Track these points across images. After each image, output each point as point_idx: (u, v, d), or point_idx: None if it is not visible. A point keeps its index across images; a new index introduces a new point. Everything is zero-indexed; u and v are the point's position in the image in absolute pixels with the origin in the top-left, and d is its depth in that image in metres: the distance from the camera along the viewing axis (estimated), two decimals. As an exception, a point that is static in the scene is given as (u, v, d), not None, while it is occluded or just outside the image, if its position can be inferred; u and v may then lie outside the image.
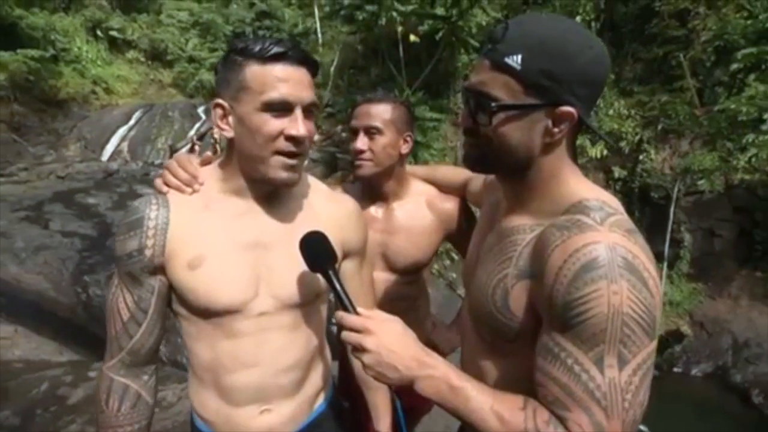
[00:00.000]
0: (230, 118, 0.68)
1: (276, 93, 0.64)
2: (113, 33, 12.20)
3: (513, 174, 0.61)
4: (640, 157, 5.95)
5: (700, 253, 5.83)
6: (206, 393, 0.75)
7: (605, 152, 5.86)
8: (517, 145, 0.57)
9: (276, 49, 0.64)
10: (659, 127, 5.98)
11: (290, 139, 0.66)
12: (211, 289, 0.68)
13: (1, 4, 9.40)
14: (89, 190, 5.30)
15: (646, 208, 6.04)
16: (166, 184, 0.73)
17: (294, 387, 0.75)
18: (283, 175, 0.67)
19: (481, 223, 0.76)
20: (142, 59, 12.67)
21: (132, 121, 10.30)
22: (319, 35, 11.49)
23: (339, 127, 8.30)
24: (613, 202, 0.57)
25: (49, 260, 3.88)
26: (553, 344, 0.53)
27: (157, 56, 12.77)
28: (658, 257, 5.92)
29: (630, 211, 6.73)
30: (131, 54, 12.55)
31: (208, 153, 0.78)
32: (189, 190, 0.71)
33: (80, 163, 8.36)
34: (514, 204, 0.63)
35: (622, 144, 5.95)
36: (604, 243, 0.50)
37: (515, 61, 0.53)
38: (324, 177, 7.87)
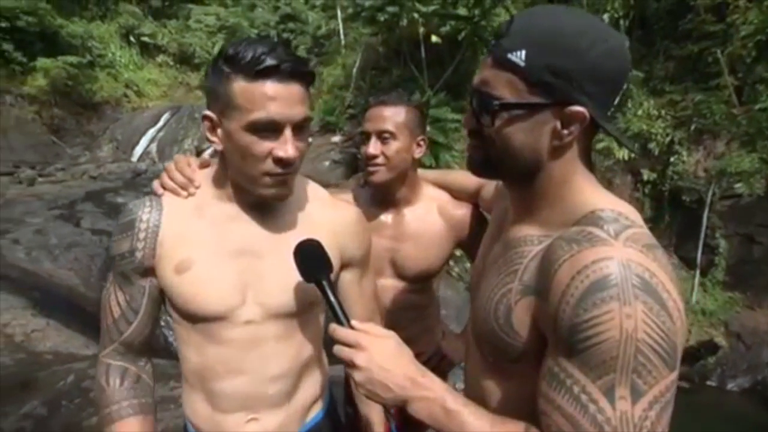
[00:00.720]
0: (219, 131, 0.66)
1: (264, 113, 0.60)
2: (144, 38, 12.71)
3: (520, 179, 0.57)
4: (671, 159, 5.68)
5: (737, 260, 5.51)
6: (196, 398, 0.74)
7: (633, 154, 5.63)
8: (522, 147, 0.53)
9: (267, 63, 0.59)
10: (692, 127, 5.69)
11: (278, 161, 0.63)
12: (198, 295, 0.68)
13: (45, 14, 9.96)
14: (118, 190, 5.53)
15: (678, 213, 5.76)
16: (163, 186, 0.73)
17: (282, 397, 0.74)
18: (273, 191, 0.66)
19: (489, 232, 0.71)
20: (171, 63, 13.14)
21: (160, 123, 10.68)
22: (342, 37, 11.58)
23: (360, 129, 8.31)
24: (632, 214, 0.52)
25: (80, 257, 4.06)
26: (558, 369, 0.48)
27: (185, 60, 13.22)
28: (690, 264, 5.63)
29: (660, 216, 6.42)
30: (161, 58, 13.04)
31: (206, 156, 0.78)
32: (184, 193, 0.71)
33: (111, 163, 8.74)
34: (522, 212, 0.59)
35: (652, 145, 5.70)
36: (617, 259, 0.45)
37: (519, 57, 0.49)
38: (345, 178, 7.90)
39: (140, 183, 6.45)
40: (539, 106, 0.51)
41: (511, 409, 0.55)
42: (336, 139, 9.24)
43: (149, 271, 0.70)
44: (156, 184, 0.74)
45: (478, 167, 0.59)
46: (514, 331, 0.54)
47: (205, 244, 0.69)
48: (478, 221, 1.09)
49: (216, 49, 13.59)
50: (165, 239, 0.68)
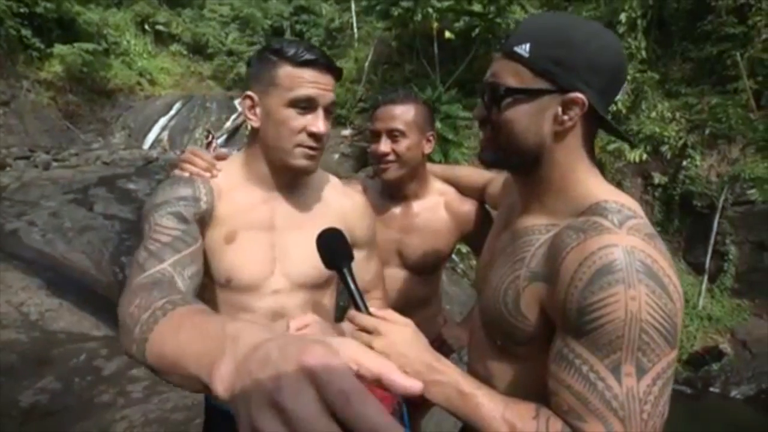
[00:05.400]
0: (258, 110, 0.74)
1: (304, 91, 0.71)
2: (159, 27, 12.80)
3: (526, 166, 0.59)
4: (684, 163, 5.60)
5: (747, 267, 5.44)
6: None
7: (644, 156, 5.57)
8: (525, 130, 0.57)
9: (308, 56, 0.71)
10: (707, 131, 5.60)
11: (311, 135, 0.72)
12: (237, 266, 0.74)
13: (63, 1, 10.03)
14: (130, 176, 5.61)
15: (688, 218, 5.69)
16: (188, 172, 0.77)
17: None
18: (304, 163, 0.74)
19: (496, 225, 0.74)
20: (185, 52, 13.22)
21: (172, 112, 10.78)
22: (355, 30, 11.54)
23: (370, 127, 8.33)
24: (633, 205, 0.56)
25: (92, 240, 4.15)
26: (567, 350, 0.51)
27: (198, 49, 13.30)
28: (699, 269, 5.57)
29: (670, 220, 6.30)
30: (174, 47, 13.13)
31: (223, 150, 0.84)
32: (208, 175, 0.76)
33: (124, 150, 8.86)
34: (530, 203, 0.62)
35: (664, 149, 5.63)
36: (621, 246, 0.48)
37: (524, 49, 0.55)
38: (354, 171, 7.92)
39: (152, 170, 6.53)
40: (542, 91, 0.55)
41: (518, 391, 0.58)
42: (346, 132, 9.25)
43: (203, 227, 0.71)
44: (177, 172, 0.77)
45: (487, 155, 0.62)
46: (522, 315, 0.57)
47: (242, 220, 0.76)
48: (482, 217, 1.11)
49: (229, 40, 13.66)
50: (219, 207, 0.75)
